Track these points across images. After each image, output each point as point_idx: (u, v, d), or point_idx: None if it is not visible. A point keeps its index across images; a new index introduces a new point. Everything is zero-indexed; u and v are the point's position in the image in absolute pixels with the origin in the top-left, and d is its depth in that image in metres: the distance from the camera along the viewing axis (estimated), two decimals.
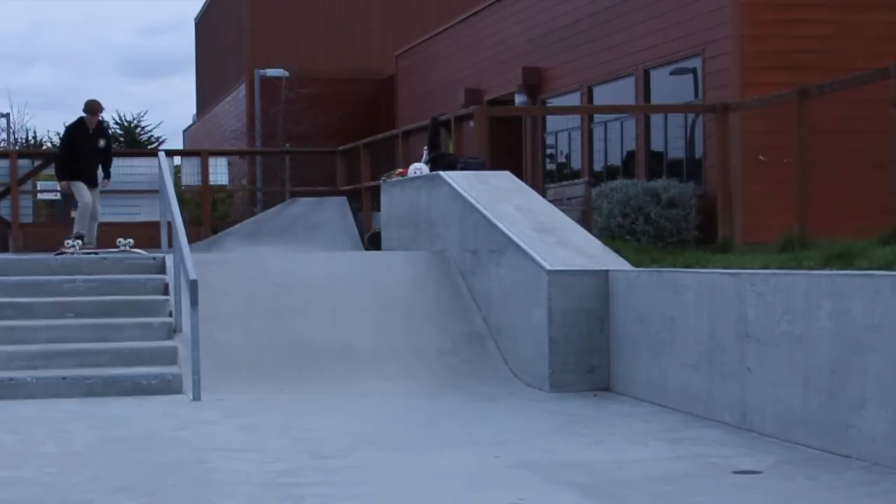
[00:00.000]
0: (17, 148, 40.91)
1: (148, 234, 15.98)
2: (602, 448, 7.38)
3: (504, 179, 12.09)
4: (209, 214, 21.80)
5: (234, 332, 10.52)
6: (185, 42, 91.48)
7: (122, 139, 46.80)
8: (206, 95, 44.45)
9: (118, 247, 14.44)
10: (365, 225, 18.74)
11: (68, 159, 15.14)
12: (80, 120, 15.23)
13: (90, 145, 15.21)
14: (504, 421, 8.44)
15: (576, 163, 21.93)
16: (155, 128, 57.86)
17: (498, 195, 11.56)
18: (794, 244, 12.51)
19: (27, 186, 22.27)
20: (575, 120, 21.64)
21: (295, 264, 12.11)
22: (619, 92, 20.07)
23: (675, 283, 8.72)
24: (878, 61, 14.17)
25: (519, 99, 23.25)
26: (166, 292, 11.20)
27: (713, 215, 16.13)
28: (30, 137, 47.27)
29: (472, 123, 16.66)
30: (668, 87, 18.81)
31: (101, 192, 15.62)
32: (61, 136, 15.67)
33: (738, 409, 7.83)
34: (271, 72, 32.59)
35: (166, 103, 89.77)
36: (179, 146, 45.49)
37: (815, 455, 6.86)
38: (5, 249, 19.63)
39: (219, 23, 41.40)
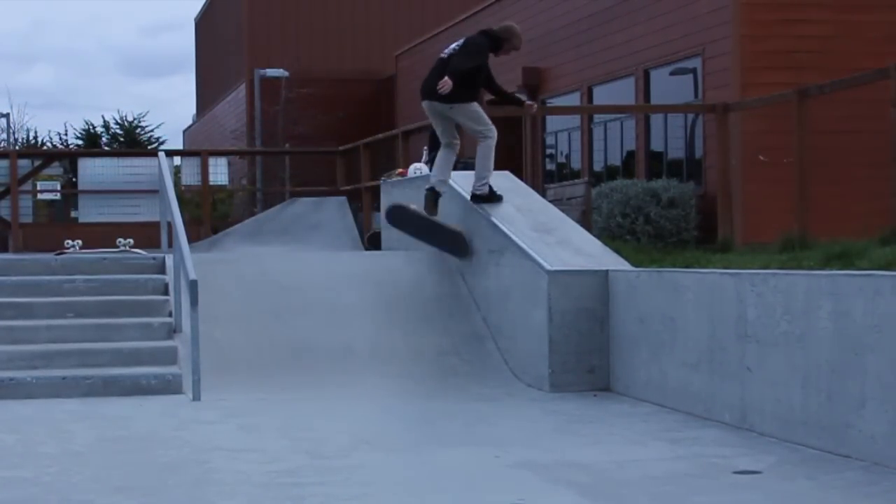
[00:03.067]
0: (17, 148, 40.92)
1: (148, 234, 15.99)
2: (602, 448, 7.38)
3: (504, 179, 12.09)
4: (209, 214, 21.79)
5: (234, 332, 10.52)
6: (186, 42, 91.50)
7: (122, 139, 46.83)
8: (206, 95, 44.46)
9: (118, 247, 14.45)
10: (365, 225, 18.73)
11: (472, 77, 11.24)
12: (498, 41, 11.56)
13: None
14: (504, 421, 8.44)
15: (576, 163, 21.94)
16: (155, 128, 57.85)
17: None
18: (794, 244, 12.50)
19: (27, 186, 22.26)
20: (575, 120, 21.64)
21: (295, 264, 12.11)
22: (619, 92, 20.08)
23: (675, 283, 8.72)
24: (878, 61, 14.17)
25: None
26: (166, 292, 11.20)
27: (713, 215, 16.13)
28: (30, 137, 47.31)
29: None
30: (668, 87, 18.82)
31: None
32: (475, 44, 11.38)
33: (738, 409, 7.83)
34: (271, 72, 32.61)
35: (167, 103, 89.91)
36: (179, 146, 45.53)
37: (815, 455, 6.86)
38: (5, 249, 19.63)
39: (219, 23, 41.41)
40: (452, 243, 11.60)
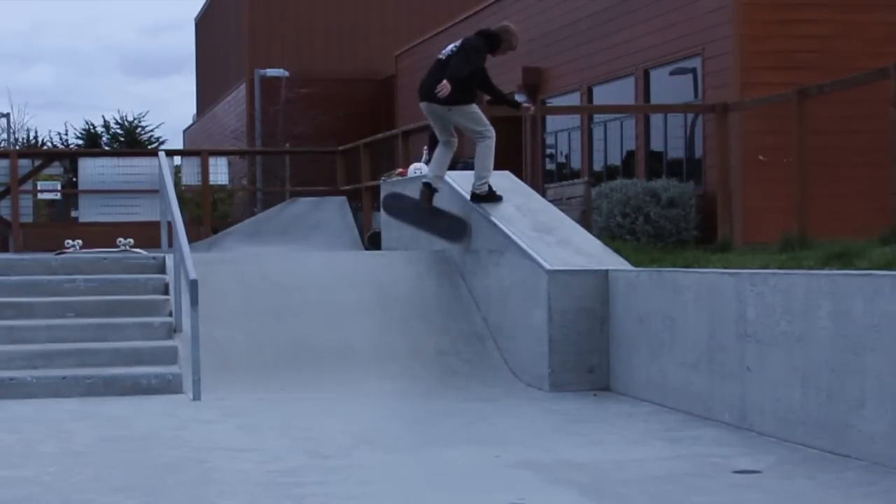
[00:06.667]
0: (17, 148, 40.93)
1: (148, 234, 15.99)
2: (602, 448, 7.38)
3: (504, 179, 12.09)
4: (209, 214, 21.80)
5: (234, 332, 10.52)
6: (186, 41, 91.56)
7: (122, 139, 46.84)
8: (207, 95, 44.47)
9: (118, 246, 14.44)
10: (365, 225, 18.73)
11: (469, 79, 11.28)
12: (496, 42, 11.63)
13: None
14: (504, 420, 8.45)
15: (576, 163, 21.94)
16: (156, 128, 57.88)
17: None
18: (794, 244, 12.51)
19: (27, 186, 22.27)
20: (575, 120, 21.65)
21: (295, 264, 12.11)
22: (619, 92, 20.09)
23: (674, 283, 8.73)
24: (878, 61, 14.18)
25: (519, 99, 23.26)
26: (166, 292, 11.20)
27: (713, 215, 16.14)
28: (30, 137, 47.33)
29: None
30: (668, 87, 18.83)
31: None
32: (472, 46, 11.43)
33: (738, 409, 7.83)
34: (271, 72, 32.62)
35: (167, 102, 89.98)
36: (180, 146, 45.54)
37: (814, 455, 6.87)
38: (5, 249, 19.64)
39: (219, 23, 41.42)
40: (449, 229, 11.69)
